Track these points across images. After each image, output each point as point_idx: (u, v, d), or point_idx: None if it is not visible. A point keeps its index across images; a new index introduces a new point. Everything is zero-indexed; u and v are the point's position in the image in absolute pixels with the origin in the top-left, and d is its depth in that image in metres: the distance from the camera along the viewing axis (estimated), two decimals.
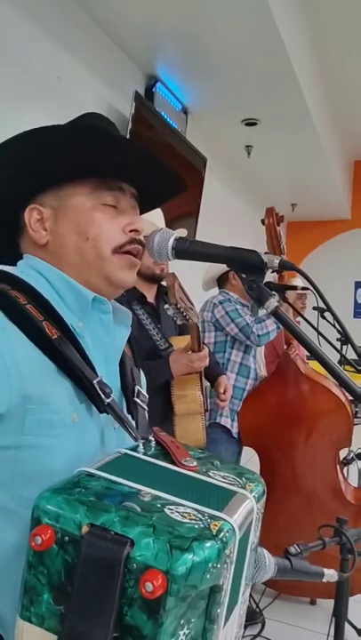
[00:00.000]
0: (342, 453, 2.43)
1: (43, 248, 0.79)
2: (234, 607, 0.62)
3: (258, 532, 0.69)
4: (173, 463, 0.68)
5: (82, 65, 2.92)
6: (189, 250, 0.77)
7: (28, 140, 0.75)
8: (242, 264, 0.75)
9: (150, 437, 0.74)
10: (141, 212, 0.87)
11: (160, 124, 3.53)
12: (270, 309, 0.71)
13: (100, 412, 0.71)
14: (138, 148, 0.81)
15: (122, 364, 0.85)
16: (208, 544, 0.50)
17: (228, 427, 2.44)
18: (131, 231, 0.79)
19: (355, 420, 2.35)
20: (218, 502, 0.59)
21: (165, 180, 0.86)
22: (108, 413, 0.71)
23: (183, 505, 0.56)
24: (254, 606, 2.36)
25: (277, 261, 0.73)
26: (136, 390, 0.84)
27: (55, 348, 0.67)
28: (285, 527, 2.17)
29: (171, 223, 2.67)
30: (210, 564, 0.50)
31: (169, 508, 0.54)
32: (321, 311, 2.16)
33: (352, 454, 2.67)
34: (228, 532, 0.54)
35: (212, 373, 2.15)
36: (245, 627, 1.76)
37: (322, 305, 1.19)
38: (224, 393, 2.11)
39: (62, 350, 0.68)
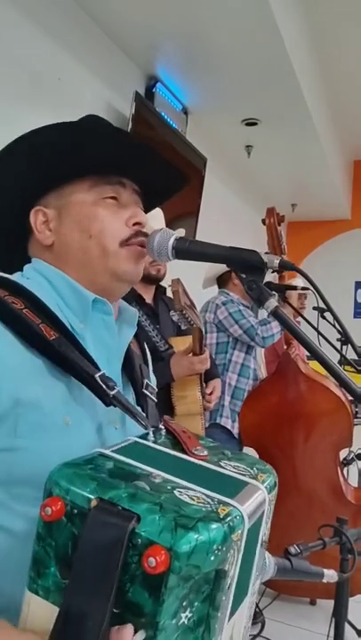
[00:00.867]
0: (342, 453, 2.43)
1: (48, 249, 0.79)
2: (243, 599, 0.62)
3: (269, 523, 0.69)
4: (184, 452, 0.68)
5: (82, 65, 2.92)
6: (189, 250, 0.78)
7: (25, 142, 0.76)
8: (242, 264, 0.75)
9: (161, 426, 0.74)
10: (146, 211, 0.87)
11: (160, 124, 3.53)
12: (270, 309, 0.71)
13: (107, 404, 0.71)
14: (136, 142, 0.81)
15: (129, 359, 0.85)
16: (214, 526, 0.51)
17: (229, 427, 2.44)
18: (134, 224, 0.79)
19: (355, 420, 2.35)
20: (229, 491, 0.59)
21: (166, 172, 0.86)
22: (114, 406, 0.71)
23: (193, 489, 0.56)
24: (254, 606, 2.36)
25: (277, 261, 0.73)
26: (145, 383, 0.84)
27: (53, 348, 0.68)
28: (285, 527, 2.16)
29: (171, 223, 2.67)
30: (214, 546, 0.50)
31: (178, 491, 0.55)
32: (321, 311, 2.16)
33: (352, 454, 2.67)
34: (236, 517, 0.54)
35: (209, 374, 2.14)
36: None
37: (322, 305, 1.19)
38: (210, 394, 2.08)
39: (61, 350, 0.68)
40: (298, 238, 7.14)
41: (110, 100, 3.19)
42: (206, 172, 4.26)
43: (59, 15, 2.70)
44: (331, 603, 1.30)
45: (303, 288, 1.90)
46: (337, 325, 1.14)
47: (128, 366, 0.84)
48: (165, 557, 0.48)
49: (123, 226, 0.78)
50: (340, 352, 1.97)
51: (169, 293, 2.05)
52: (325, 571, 0.93)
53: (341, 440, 2.30)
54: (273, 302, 0.71)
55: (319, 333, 1.41)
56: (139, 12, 2.81)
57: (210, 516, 0.52)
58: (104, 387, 0.70)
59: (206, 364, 1.82)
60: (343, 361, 2.65)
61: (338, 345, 2.04)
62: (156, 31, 3.01)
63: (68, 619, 0.49)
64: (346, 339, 1.22)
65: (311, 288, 0.90)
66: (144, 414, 0.78)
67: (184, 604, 0.51)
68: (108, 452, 0.60)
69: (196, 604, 0.52)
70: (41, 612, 0.53)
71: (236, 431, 2.44)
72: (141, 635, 0.49)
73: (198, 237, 2.24)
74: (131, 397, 0.83)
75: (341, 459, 2.49)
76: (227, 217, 5.23)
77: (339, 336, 2.12)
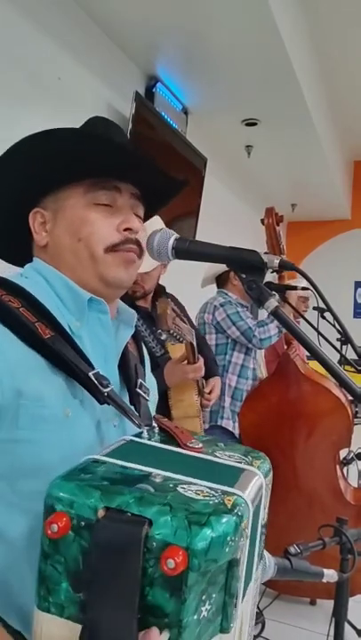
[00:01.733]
0: (342, 453, 2.43)
1: (44, 250, 0.81)
2: (249, 584, 0.63)
3: (267, 508, 0.70)
4: (179, 446, 0.68)
5: (82, 65, 2.92)
6: (189, 250, 0.78)
7: (25, 146, 0.77)
8: (242, 264, 0.75)
9: (154, 424, 0.75)
10: (149, 213, 0.88)
11: (160, 124, 3.53)
12: (270, 309, 0.71)
13: (100, 402, 0.72)
14: (132, 149, 0.82)
15: (124, 358, 0.85)
16: (225, 518, 0.51)
17: (230, 429, 2.43)
18: (125, 230, 0.79)
19: (355, 420, 2.34)
20: (228, 479, 0.59)
21: (162, 177, 0.86)
22: (108, 404, 0.72)
23: (195, 483, 0.56)
24: None
25: (277, 261, 0.73)
26: (138, 382, 0.85)
27: (48, 346, 0.69)
28: (285, 527, 2.16)
29: (171, 223, 2.67)
30: (228, 538, 0.50)
31: (182, 487, 0.55)
32: (321, 311, 2.16)
33: (352, 454, 2.67)
34: (242, 505, 0.55)
35: (208, 372, 2.14)
36: None
37: (322, 305, 1.19)
38: (210, 393, 2.07)
39: (55, 348, 0.69)
40: (298, 238, 7.15)
41: (110, 99, 3.19)
42: (206, 172, 4.26)
43: (58, 15, 2.70)
44: (331, 603, 1.30)
45: (303, 288, 1.89)
46: (337, 325, 1.14)
47: (124, 365, 0.85)
48: (184, 557, 0.48)
49: (113, 231, 0.79)
50: (340, 352, 1.97)
51: (169, 292, 2.04)
52: (325, 571, 0.94)
53: (341, 440, 2.29)
54: (273, 302, 0.71)
55: (319, 333, 1.41)
56: (139, 11, 2.81)
57: (219, 509, 0.52)
58: (98, 385, 0.71)
59: (200, 372, 1.82)
60: (343, 361, 2.65)
61: (338, 345, 2.04)
62: (156, 31, 3.01)
63: (94, 634, 0.49)
64: (346, 339, 1.22)
65: (311, 288, 0.90)
66: (137, 413, 0.78)
67: (203, 597, 0.51)
68: (101, 457, 0.60)
69: (213, 595, 0.53)
70: (56, 629, 0.53)
71: (237, 432, 2.43)
72: (166, 635, 0.49)
73: (198, 237, 2.24)
74: (126, 396, 0.83)
75: (341, 458, 2.49)
76: (227, 217, 5.23)
77: (339, 336, 2.12)
